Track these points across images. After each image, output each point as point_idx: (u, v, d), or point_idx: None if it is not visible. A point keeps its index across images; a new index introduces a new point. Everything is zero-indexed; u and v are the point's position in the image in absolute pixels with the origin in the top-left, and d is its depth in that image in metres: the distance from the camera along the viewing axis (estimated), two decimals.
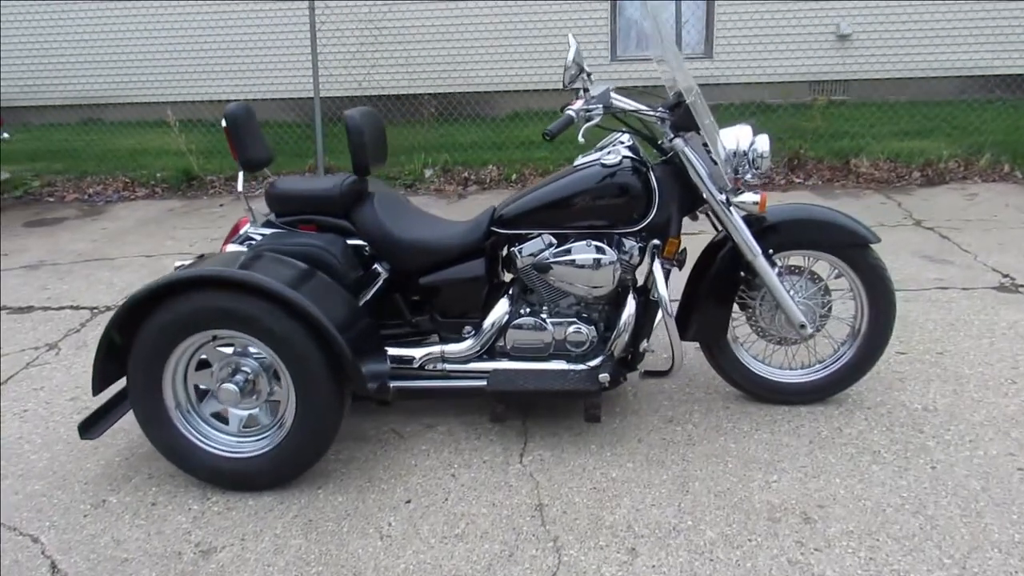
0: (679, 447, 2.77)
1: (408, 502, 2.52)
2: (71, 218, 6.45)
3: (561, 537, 2.33)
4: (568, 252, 2.78)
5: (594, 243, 2.77)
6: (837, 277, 2.91)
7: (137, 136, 8.59)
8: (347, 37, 8.48)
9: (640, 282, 2.88)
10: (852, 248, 2.83)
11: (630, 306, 2.77)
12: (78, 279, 4.87)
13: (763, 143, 2.66)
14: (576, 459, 2.72)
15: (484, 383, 2.79)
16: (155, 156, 7.82)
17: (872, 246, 2.83)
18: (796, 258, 2.92)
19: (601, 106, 2.57)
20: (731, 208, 2.72)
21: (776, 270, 2.81)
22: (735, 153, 2.70)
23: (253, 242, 2.87)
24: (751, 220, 2.81)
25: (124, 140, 8.39)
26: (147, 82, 9.26)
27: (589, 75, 2.75)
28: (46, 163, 7.87)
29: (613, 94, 2.66)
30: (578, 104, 2.56)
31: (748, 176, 2.71)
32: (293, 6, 8.54)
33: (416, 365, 2.88)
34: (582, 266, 2.76)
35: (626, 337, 2.77)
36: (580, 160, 2.85)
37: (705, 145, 2.70)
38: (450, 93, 7.86)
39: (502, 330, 2.84)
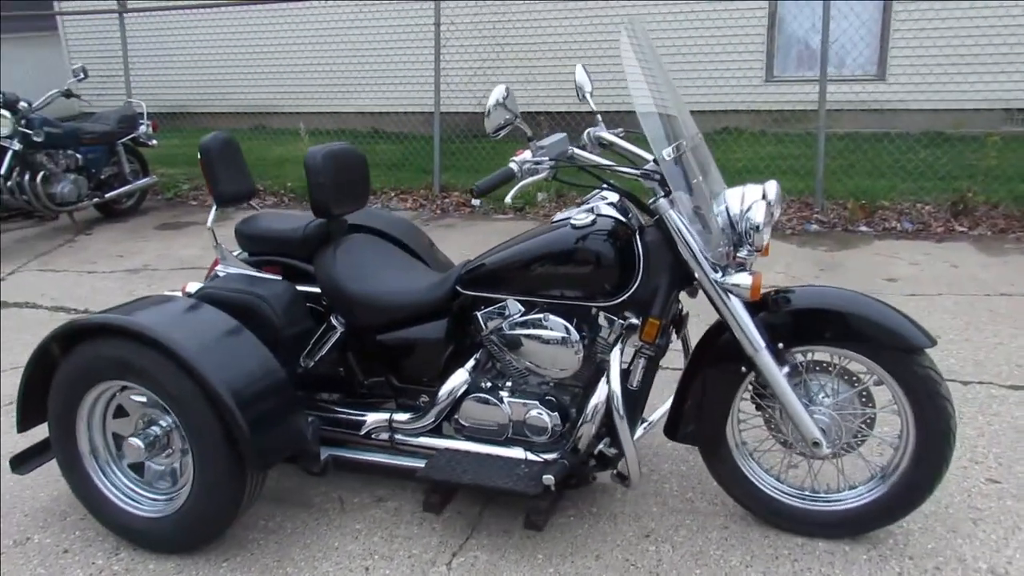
0: (640, 574, 2.27)
1: None
2: (200, 223, 6.80)
3: None
4: (527, 325, 2.37)
5: (553, 317, 2.33)
6: (877, 384, 2.27)
7: (288, 145, 8.99)
8: (469, 53, 8.32)
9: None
10: (893, 351, 2.18)
11: (600, 393, 2.30)
12: (160, 286, 5.04)
13: (757, 212, 2.09)
14: (512, 571, 2.30)
15: (421, 464, 2.44)
16: (294, 165, 8.12)
17: (926, 351, 2.17)
18: (824, 354, 2.31)
19: (548, 160, 2.13)
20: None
21: (785, 369, 2.23)
22: (732, 221, 2.17)
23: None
24: (762, 303, 2.26)
25: (276, 149, 8.79)
26: (300, 94, 9.66)
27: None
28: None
29: (574, 148, 2.21)
30: (523, 155, 2.15)
31: (743, 252, 2.16)
32: (421, 22, 8.51)
33: (363, 432, 2.59)
34: (543, 341, 2.34)
35: (592, 429, 2.31)
36: (557, 216, 2.43)
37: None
38: (569, 112, 7.46)
39: (458, 402, 2.48)
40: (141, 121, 6.89)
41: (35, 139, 5.91)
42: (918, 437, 2.23)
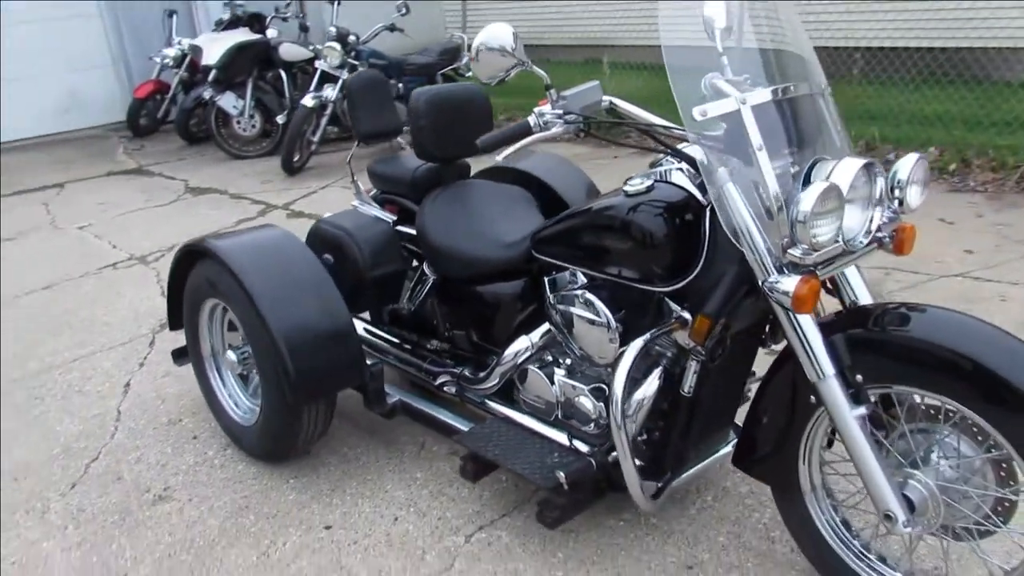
0: None
1: (328, 527, 2.31)
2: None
3: None
4: (572, 300, 2.09)
5: (590, 295, 2.03)
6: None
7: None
8: None
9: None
10: (1014, 414, 1.51)
11: (647, 387, 1.97)
12: None
13: (808, 198, 1.54)
14: (522, 560, 2.12)
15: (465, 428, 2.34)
16: None
17: None
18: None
19: (569, 113, 1.79)
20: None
21: (861, 409, 1.67)
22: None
23: None
24: (837, 321, 1.72)
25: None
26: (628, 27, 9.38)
27: None
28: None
29: (612, 99, 1.82)
30: (544, 105, 1.83)
31: (797, 250, 1.62)
32: None
33: (436, 382, 2.55)
34: (583, 320, 2.06)
35: (631, 427, 1.99)
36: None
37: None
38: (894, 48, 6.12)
39: (519, 370, 2.31)
40: (463, 54, 7.35)
41: (358, 68, 6.65)
42: None
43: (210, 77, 7.14)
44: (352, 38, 6.66)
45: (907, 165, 1.75)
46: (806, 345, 1.68)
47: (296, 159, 6.67)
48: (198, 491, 2.51)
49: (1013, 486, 1.63)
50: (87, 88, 8.83)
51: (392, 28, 6.93)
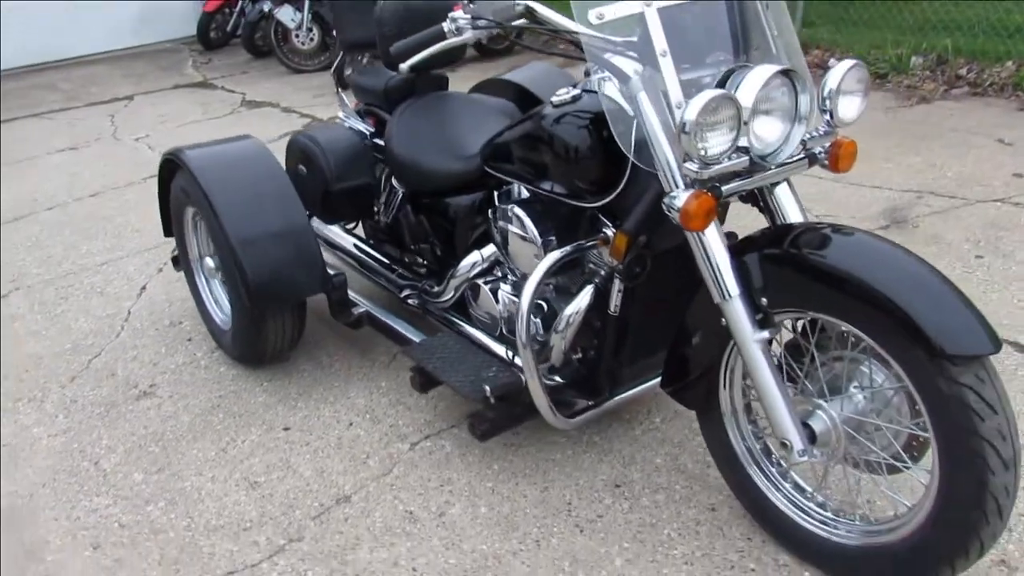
0: (567, 525, 1.95)
1: (287, 429, 2.41)
2: None
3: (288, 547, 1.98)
4: (504, 214, 2.07)
5: (517, 210, 2.00)
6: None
7: None
8: None
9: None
10: (914, 352, 1.41)
11: (578, 302, 1.94)
12: None
13: (693, 107, 1.43)
14: (459, 470, 2.16)
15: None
16: None
17: (959, 362, 1.36)
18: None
19: (483, 20, 1.71)
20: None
21: (765, 333, 1.59)
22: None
23: None
24: (752, 241, 1.63)
25: None
26: None
27: None
28: None
29: (533, 3, 1.72)
30: (456, 11, 1.76)
31: (693, 165, 1.52)
32: None
33: (402, 295, 2.58)
34: (516, 235, 2.04)
35: (562, 345, 1.98)
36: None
37: None
38: None
39: (471, 284, 2.31)
40: None
41: None
42: (940, 488, 1.45)
43: None
44: None
45: (837, 74, 1.62)
46: (711, 265, 1.61)
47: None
48: (179, 389, 2.66)
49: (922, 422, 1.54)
50: (161, 2, 9.03)
51: None
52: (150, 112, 6.49)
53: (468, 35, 1.76)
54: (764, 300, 1.59)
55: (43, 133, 6.12)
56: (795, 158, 1.66)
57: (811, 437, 1.61)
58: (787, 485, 1.79)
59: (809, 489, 1.78)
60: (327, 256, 2.62)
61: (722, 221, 1.88)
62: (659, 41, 1.54)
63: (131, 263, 3.68)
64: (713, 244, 1.61)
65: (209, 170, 2.42)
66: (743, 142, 1.54)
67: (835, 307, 1.51)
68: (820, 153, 1.71)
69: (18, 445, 2.45)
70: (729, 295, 1.59)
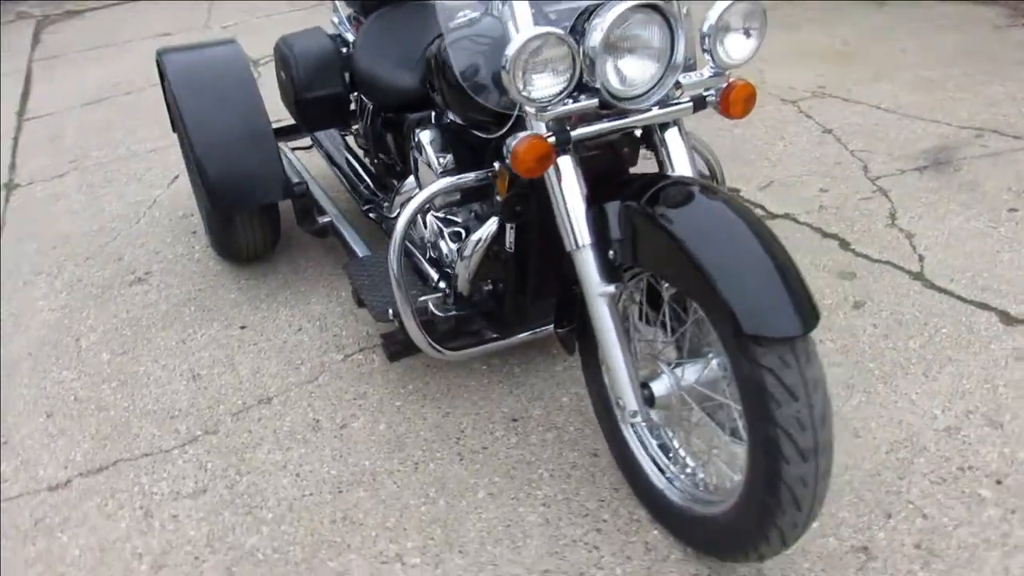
0: (450, 451, 1.99)
1: (243, 328, 2.55)
2: None
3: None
4: (413, 138, 2.06)
5: (424, 134, 1.99)
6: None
7: None
8: None
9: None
10: (724, 328, 1.32)
11: (479, 233, 1.92)
12: None
13: (516, 42, 1.33)
14: (377, 387, 2.24)
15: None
16: None
17: (764, 343, 1.26)
18: None
19: None
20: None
21: (611, 288, 1.53)
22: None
23: None
24: (616, 189, 1.54)
25: None
26: None
27: None
28: None
29: None
30: None
31: (530, 107, 1.44)
32: None
33: (363, 208, 2.62)
34: (422, 161, 2.03)
35: (465, 273, 1.97)
36: None
37: None
38: None
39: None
40: None
41: None
42: (746, 471, 1.38)
43: None
44: None
45: (717, 9, 1.47)
46: (563, 211, 1.54)
47: None
48: (167, 279, 2.85)
49: None
50: None
51: None
52: (246, 5, 6.66)
53: None
54: (611, 253, 1.52)
55: (145, 17, 6.44)
56: (674, 101, 1.54)
57: (651, 399, 1.55)
58: (653, 442, 1.75)
59: (674, 448, 1.74)
60: (302, 165, 2.68)
61: (634, 163, 1.79)
62: None
63: (175, 152, 3.84)
64: (568, 190, 1.54)
65: (181, 73, 2.51)
66: (597, 83, 1.44)
67: (668, 272, 1.44)
68: (710, 96, 1.58)
69: (22, 315, 2.73)
70: (577, 244, 1.53)
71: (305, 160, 3.11)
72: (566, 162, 1.54)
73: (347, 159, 2.84)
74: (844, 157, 3.16)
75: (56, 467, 2.08)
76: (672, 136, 1.63)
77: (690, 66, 1.58)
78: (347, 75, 2.61)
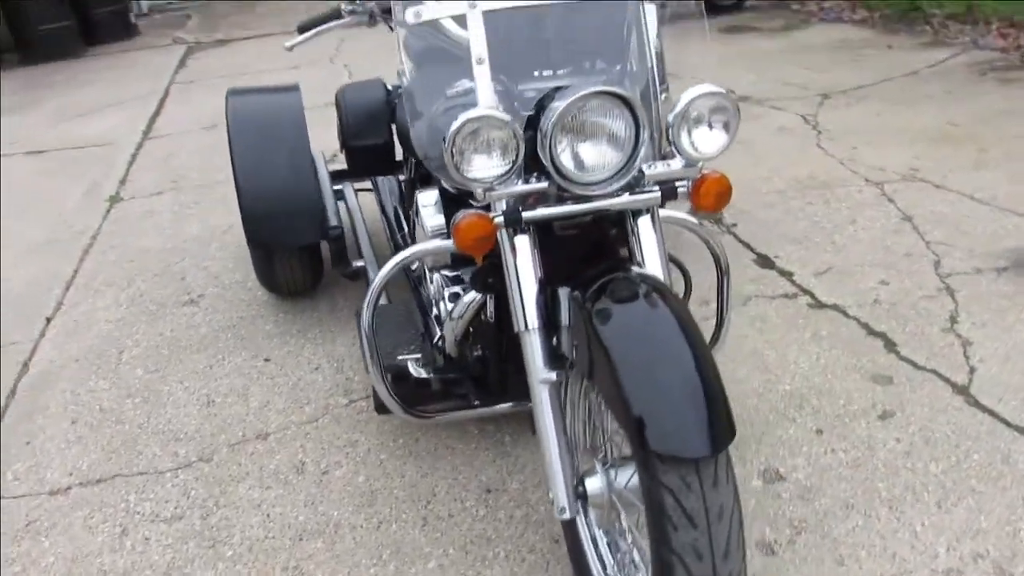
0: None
1: (267, 360, 2.64)
2: (772, 31, 6.36)
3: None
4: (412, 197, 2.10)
5: (419, 194, 1.98)
6: None
7: None
8: None
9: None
10: (634, 440, 1.24)
11: (465, 299, 1.90)
12: None
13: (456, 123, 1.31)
14: (368, 436, 2.25)
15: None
16: None
17: (666, 462, 1.19)
18: None
19: (359, 5, 1.68)
20: None
21: (555, 375, 1.48)
22: None
23: None
24: (575, 275, 1.50)
25: None
26: None
27: None
28: None
29: None
30: None
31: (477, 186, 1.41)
32: None
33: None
34: (416, 219, 2.03)
35: (451, 335, 1.96)
36: None
37: None
38: None
39: None
40: None
41: None
42: None
43: None
44: None
45: (684, 100, 1.40)
46: (514, 290, 1.51)
47: None
48: (217, 304, 3.00)
49: None
50: None
51: None
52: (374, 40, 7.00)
53: (347, 19, 1.76)
54: (555, 341, 1.47)
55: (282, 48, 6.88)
56: (643, 189, 1.49)
57: (585, 496, 1.48)
58: (603, 539, 1.66)
59: (622, 549, 1.64)
60: (358, 206, 2.76)
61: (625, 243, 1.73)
62: (478, 47, 1.44)
63: None
64: (522, 269, 1.50)
65: (240, 113, 2.66)
66: (548, 167, 1.40)
67: (592, 372, 1.36)
68: (681, 187, 1.51)
69: (83, 322, 2.95)
70: (525, 326, 1.49)
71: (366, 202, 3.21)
72: (523, 241, 1.51)
73: (395, 207, 2.91)
74: (918, 248, 2.93)
75: (62, 473, 2.21)
76: (644, 225, 1.56)
77: (667, 154, 1.52)
78: (394, 127, 2.69)
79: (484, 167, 1.38)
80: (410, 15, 1.47)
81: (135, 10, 8.64)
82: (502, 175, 1.39)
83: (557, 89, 1.44)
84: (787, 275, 2.85)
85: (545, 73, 1.56)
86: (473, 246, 1.44)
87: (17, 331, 2.92)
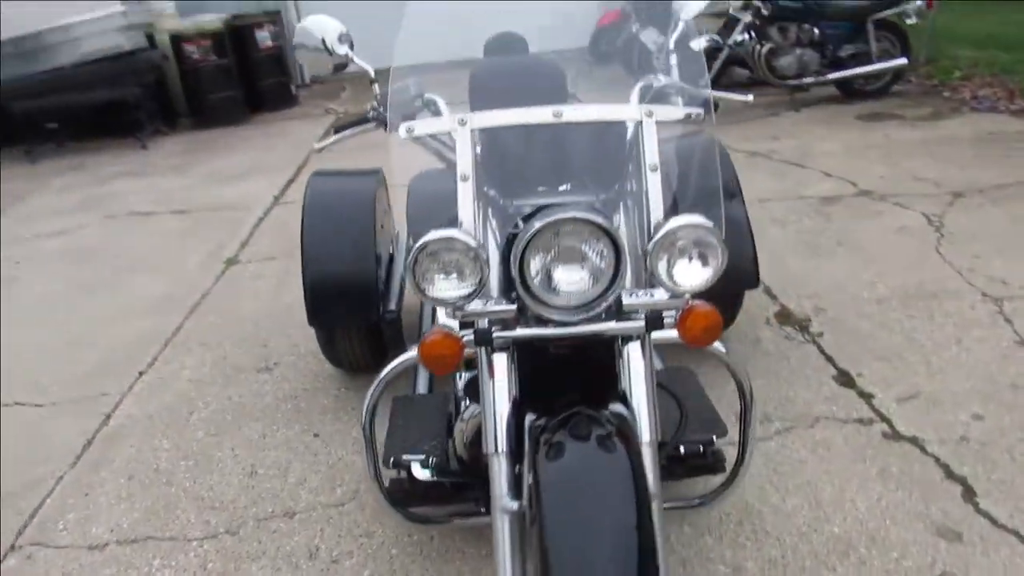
0: None
1: (316, 435, 2.69)
2: (916, 119, 5.98)
3: None
4: None
5: None
6: None
7: None
8: None
9: None
10: None
11: (472, 408, 1.88)
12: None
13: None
14: (387, 530, 2.23)
15: None
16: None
17: None
18: None
19: (376, 111, 1.71)
20: None
21: (516, 505, 1.40)
22: None
23: None
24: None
25: None
26: None
27: None
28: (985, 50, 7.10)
29: (432, 96, 1.65)
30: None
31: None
32: None
33: None
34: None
35: (460, 437, 1.93)
36: None
37: None
38: None
39: None
40: None
41: (763, 12, 6.20)
42: None
43: None
44: None
45: (662, 231, 1.32)
46: (488, 410, 1.46)
47: None
48: (287, 373, 3.11)
49: None
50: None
51: None
52: None
53: (369, 125, 1.80)
54: (517, 468, 1.40)
55: None
56: (628, 317, 1.41)
57: None
58: None
59: None
60: None
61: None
62: (463, 164, 1.43)
63: None
64: (498, 390, 1.45)
65: (316, 194, 2.79)
66: (518, 290, 1.36)
67: (530, 514, 1.28)
68: (668, 317, 1.41)
69: (168, 380, 3.14)
70: (494, 448, 1.43)
71: None
72: (500, 360, 1.47)
73: None
74: None
75: (105, 529, 2.33)
76: (633, 352, 1.48)
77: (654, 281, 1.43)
78: None
79: (446, 287, 1.36)
80: (403, 130, 1.50)
81: (297, 80, 9.37)
82: (465, 296, 1.37)
83: (542, 208, 1.41)
84: (867, 397, 2.60)
85: (540, 189, 1.53)
86: (436, 365, 1.41)
87: (113, 383, 3.16)
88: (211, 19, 8.00)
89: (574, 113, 1.44)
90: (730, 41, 6.31)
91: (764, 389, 2.68)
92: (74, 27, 7.10)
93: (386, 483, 1.91)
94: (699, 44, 6.02)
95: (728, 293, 2.74)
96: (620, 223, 1.55)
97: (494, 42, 2.65)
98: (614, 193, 1.55)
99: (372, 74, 1.83)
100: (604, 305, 1.38)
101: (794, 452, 2.37)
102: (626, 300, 1.39)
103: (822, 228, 3.99)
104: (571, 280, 1.36)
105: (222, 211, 5.33)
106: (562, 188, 1.55)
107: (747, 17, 6.27)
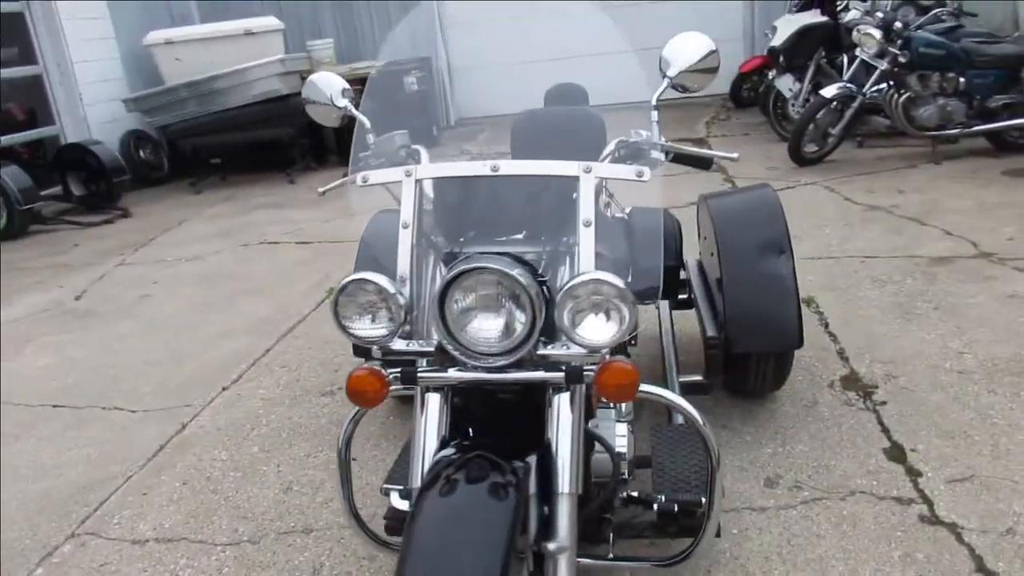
0: None
1: (354, 459, 2.82)
2: None
3: None
4: None
5: None
6: None
7: None
8: None
9: None
10: None
11: None
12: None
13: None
14: (392, 557, 2.31)
15: None
16: None
17: None
18: None
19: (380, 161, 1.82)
20: None
21: None
22: None
23: None
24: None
25: None
26: None
27: None
28: None
29: (417, 147, 1.74)
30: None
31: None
32: None
33: None
34: None
35: None
36: None
37: None
38: None
39: None
40: None
41: (900, 59, 5.87)
42: None
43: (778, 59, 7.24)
44: (898, 25, 5.87)
45: (567, 285, 1.33)
46: (416, 446, 1.52)
47: (814, 150, 6.37)
48: (345, 399, 3.26)
49: None
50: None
51: (959, 13, 5.82)
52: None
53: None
54: None
55: None
56: (549, 369, 1.43)
57: None
58: None
59: None
60: None
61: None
62: (406, 212, 1.51)
63: None
64: (428, 427, 1.52)
65: (372, 235, 2.96)
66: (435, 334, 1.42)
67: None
68: (588, 371, 1.41)
69: (244, 397, 3.41)
70: (418, 482, 1.49)
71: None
72: (434, 400, 1.52)
73: None
74: None
75: (149, 527, 2.57)
76: (562, 402, 1.49)
77: None
78: None
79: (364, 327, 1.44)
80: (359, 179, 1.61)
81: (440, 123, 9.85)
82: (383, 336, 1.44)
83: (471, 255, 1.46)
84: (914, 475, 2.40)
85: (492, 238, 1.59)
86: (359, 400, 1.49)
87: (198, 396, 3.47)
88: (364, 65, 8.62)
89: (512, 167, 1.49)
90: (865, 90, 6.02)
91: (804, 455, 2.54)
92: (237, 74, 7.88)
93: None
94: (830, 92, 5.84)
95: (772, 353, 2.63)
96: (562, 275, 1.56)
97: (553, 91, 2.72)
98: (564, 247, 1.57)
99: (368, 125, 1.96)
100: (521, 354, 1.41)
101: (815, 524, 2.23)
102: (541, 351, 1.41)
103: (922, 290, 3.72)
104: (487, 328, 1.40)
105: (342, 243, 5.69)
106: (512, 238, 1.59)
107: (883, 65, 5.96)
